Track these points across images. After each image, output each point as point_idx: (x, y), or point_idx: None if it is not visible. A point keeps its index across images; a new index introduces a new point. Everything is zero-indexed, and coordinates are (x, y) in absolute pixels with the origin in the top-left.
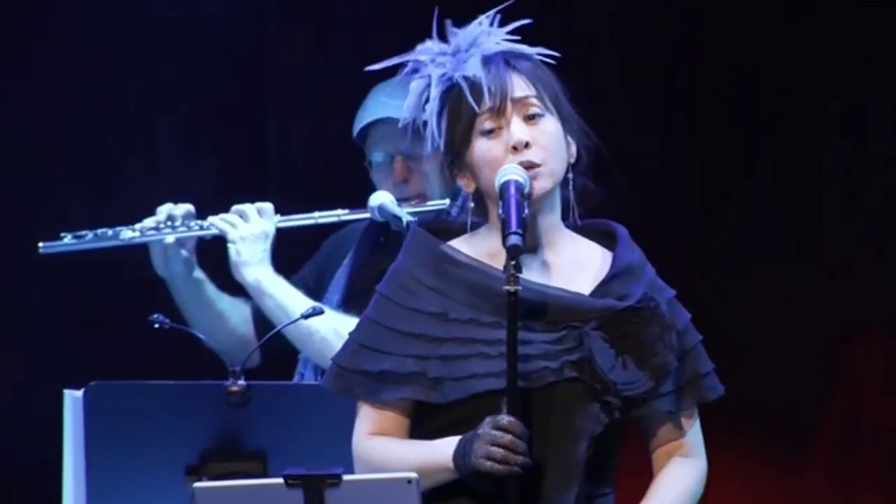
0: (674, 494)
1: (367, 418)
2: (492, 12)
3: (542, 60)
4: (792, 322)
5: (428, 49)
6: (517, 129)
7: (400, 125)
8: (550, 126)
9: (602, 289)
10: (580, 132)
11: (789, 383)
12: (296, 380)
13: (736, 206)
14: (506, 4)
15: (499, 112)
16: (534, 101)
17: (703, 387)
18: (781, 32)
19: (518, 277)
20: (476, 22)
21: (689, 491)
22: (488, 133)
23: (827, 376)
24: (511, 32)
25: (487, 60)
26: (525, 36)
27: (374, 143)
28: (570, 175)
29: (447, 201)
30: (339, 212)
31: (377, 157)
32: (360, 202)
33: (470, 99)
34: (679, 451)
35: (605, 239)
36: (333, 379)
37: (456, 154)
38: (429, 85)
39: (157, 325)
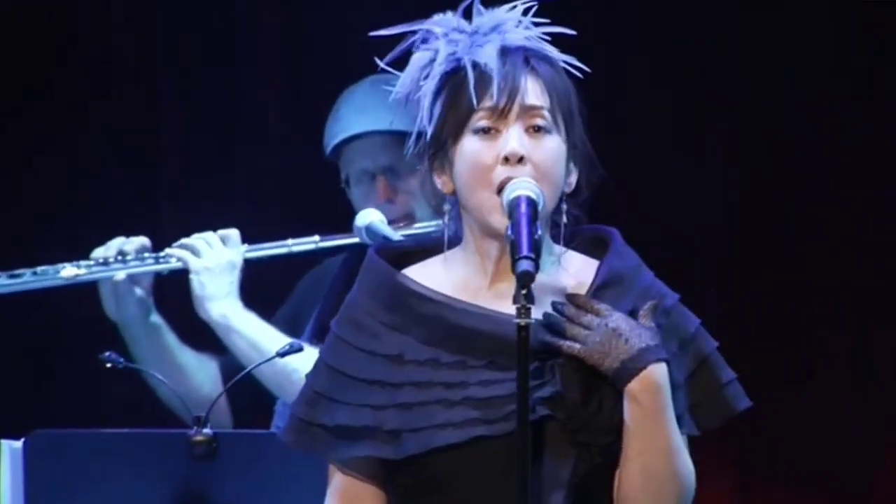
0: None
1: (333, 483)
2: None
3: (566, 71)
4: (851, 363)
5: (444, 21)
6: (515, 138)
7: (391, 98)
8: (553, 144)
9: None
10: (586, 162)
11: (846, 431)
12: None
13: (797, 221)
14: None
15: (501, 113)
16: (544, 113)
17: (728, 397)
18: None
19: (529, 309)
20: (507, 6)
21: None
22: (482, 132)
23: (886, 426)
24: (545, 34)
25: (506, 51)
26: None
27: (352, 159)
28: (565, 206)
29: (439, 222)
30: (316, 238)
31: (356, 174)
32: (336, 229)
33: (472, 89)
34: None
35: (597, 247)
36: (293, 434)
37: (440, 146)
38: (433, 60)
39: (108, 365)
